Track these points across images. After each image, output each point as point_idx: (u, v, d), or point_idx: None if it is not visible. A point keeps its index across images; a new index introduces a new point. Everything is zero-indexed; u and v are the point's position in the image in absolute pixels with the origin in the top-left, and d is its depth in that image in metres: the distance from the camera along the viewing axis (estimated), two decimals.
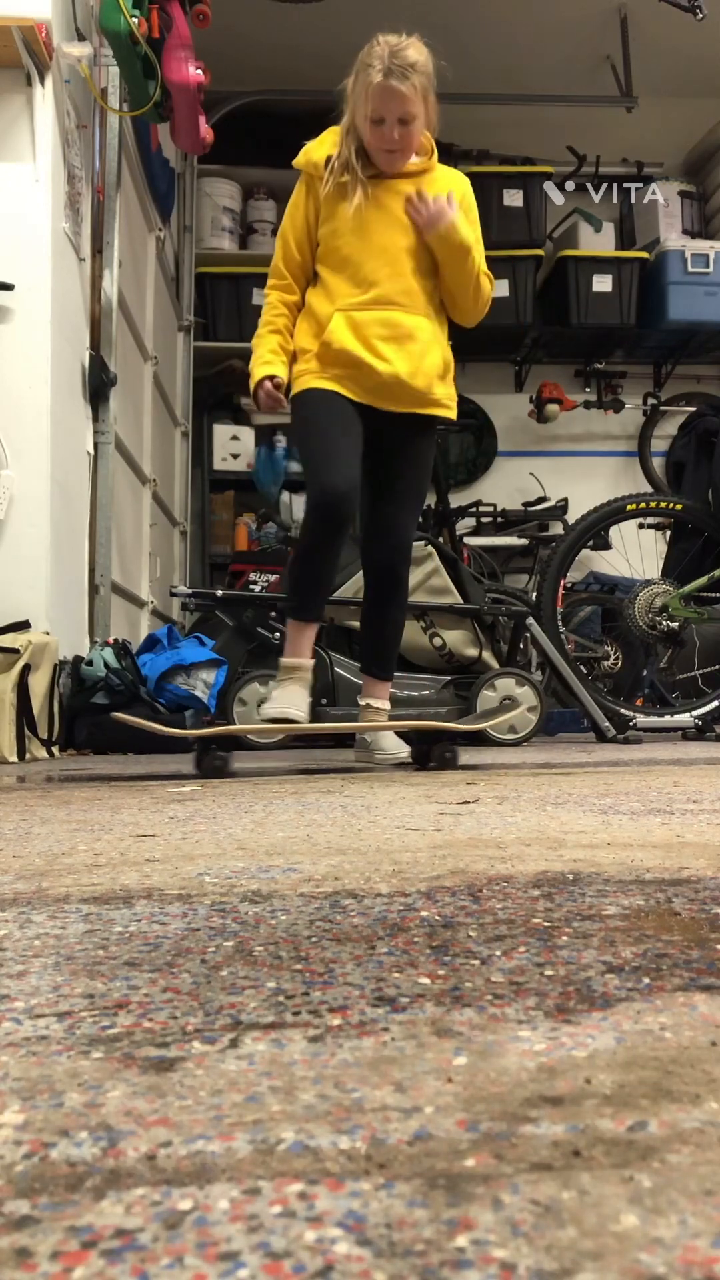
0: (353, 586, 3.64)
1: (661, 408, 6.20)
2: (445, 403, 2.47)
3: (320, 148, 2.45)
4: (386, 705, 2.56)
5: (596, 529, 3.96)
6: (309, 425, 2.43)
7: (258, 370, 2.44)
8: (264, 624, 3.61)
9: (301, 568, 2.45)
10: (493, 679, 3.55)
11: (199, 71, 3.45)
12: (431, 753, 2.35)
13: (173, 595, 3.95)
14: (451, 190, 2.43)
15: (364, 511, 2.54)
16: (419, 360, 2.39)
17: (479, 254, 2.46)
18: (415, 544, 3.76)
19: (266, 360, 2.44)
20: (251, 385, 2.45)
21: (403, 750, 2.47)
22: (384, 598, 2.55)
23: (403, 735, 2.51)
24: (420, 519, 5.47)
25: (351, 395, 2.39)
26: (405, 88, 2.29)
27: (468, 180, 2.55)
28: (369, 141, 2.35)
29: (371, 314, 2.37)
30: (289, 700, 2.36)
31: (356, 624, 3.66)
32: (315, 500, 2.35)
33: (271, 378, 2.41)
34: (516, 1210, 0.32)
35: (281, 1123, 0.39)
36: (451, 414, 2.50)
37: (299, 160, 2.47)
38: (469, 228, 2.44)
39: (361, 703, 2.58)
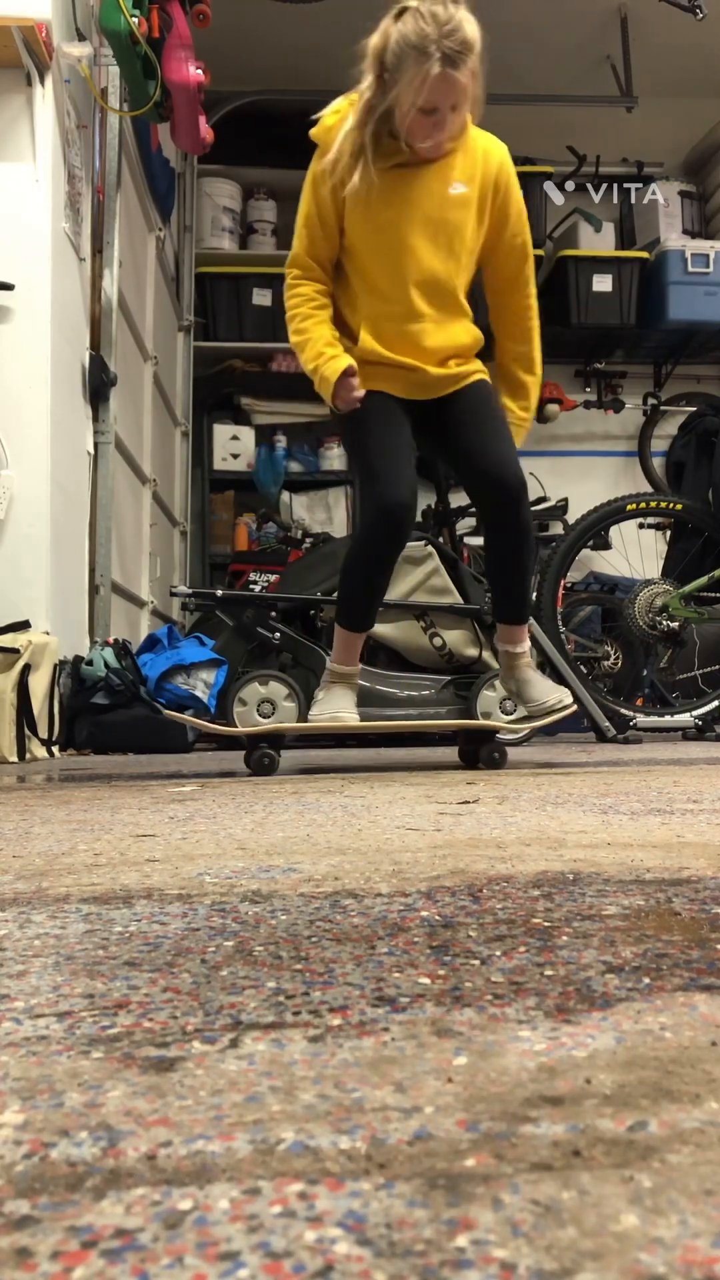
0: None
1: (661, 408, 6.20)
2: (480, 369, 2.38)
3: (343, 125, 2.21)
4: (524, 648, 2.45)
5: (596, 529, 3.96)
6: (361, 430, 2.29)
7: (328, 366, 2.21)
8: (264, 624, 3.61)
9: (357, 579, 2.36)
10: (493, 679, 3.54)
11: (199, 71, 3.45)
12: (480, 753, 2.35)
13: (173, 595, 3.94)
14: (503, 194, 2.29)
15: (462, 469, 2.38)
16: (452, 356, 2.32)
17: (530, 275, 2.39)
18: (415, 544, 3.77)
19: (332, 354, 2.23)
20: (325, 386, 2.24)
21: (553, 698, 2.38)
22: (510, 541, 2.34)
23: (444, 735, 2.47)
24: (420, 518, 5.46)
25: (395, 392, 2.29)
26: (464, 75, 2.06)
27: (504, 146, 2.34)
28: (410, 129, 2.12)
29: (402, 328, 2.26)
30: (337, 704, 2.37)
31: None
32: (377, 512, 2.23)
33: (349, 370, 2.21)
34: (516, 1210, 0.32)
35: (281, 1123, 0.39)
36: (487, 376, 2.40)
37: (318, 133, 2.25)
38: (519, 223, 2.32)
39: (500, 649, 2.48)
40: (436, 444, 2.44)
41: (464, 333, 2.32)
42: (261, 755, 2.21)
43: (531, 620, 3.68)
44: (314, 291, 2.30)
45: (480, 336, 2.38)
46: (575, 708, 2.40)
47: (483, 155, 2.27)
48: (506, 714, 3.54)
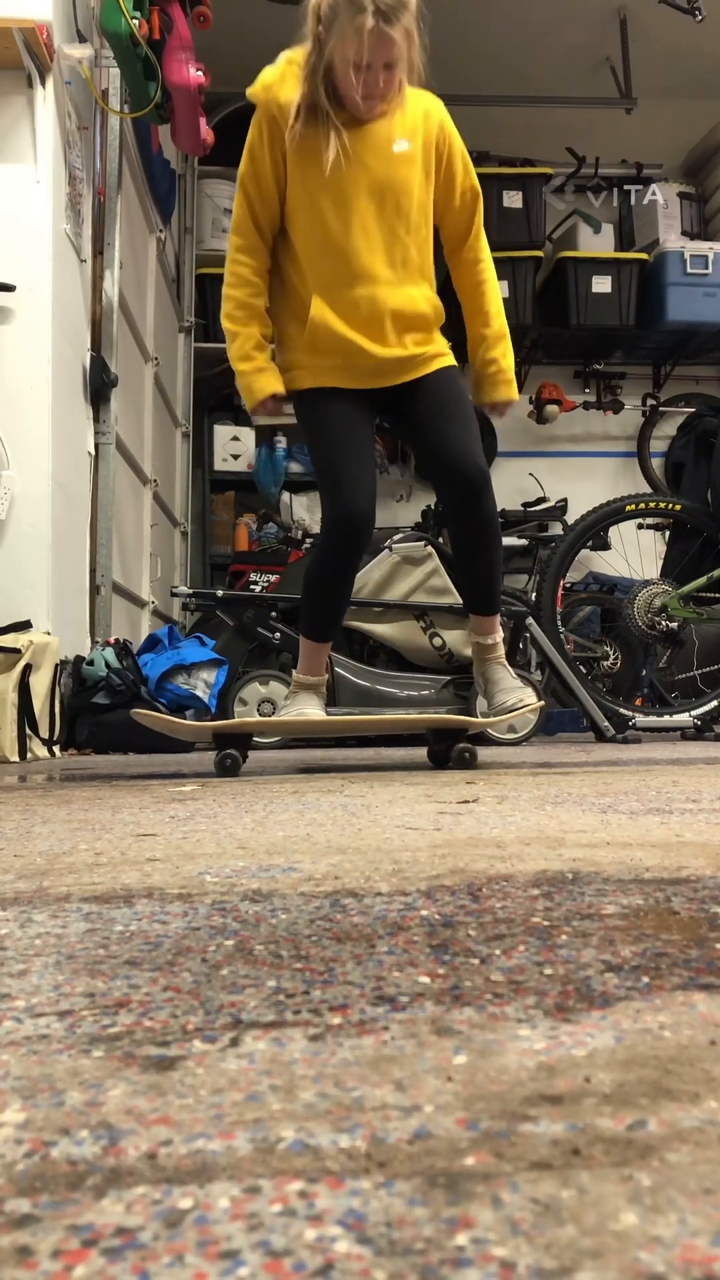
0: (353, 586, 3.64)
1: (660, 408, 6.20)
2: (444, 351, 2.33)
3: (283, 85, 2.16)
4: (495, 640, 2.43)
5: (596, 529, 3.96)
6: (319, 437, 2.28)
7: (257, 382, 2.24)
8: (264, 624, 3.62)
9: (318, 590, 2.35)
10: None
11: (199, 73, 3.45)
12: (450, 752, 2.35)
13: (173, 595, 3.95)
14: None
15: (425, 462, 2.38)
16: (411, 333, 2.26)
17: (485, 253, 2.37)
18: (415, 544, 3.77)
19: (257, 366, 2.24)
20: (247, 396, 2.27)
21: (513, 697, 2.36)
22: (476, 535, 2.33)
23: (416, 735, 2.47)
24: (420, 519, 5.46)
25: (351, 384, 2.26)
26: (397, 32, 2.03)
27: (440, 102, 2.30)
28: (345, 85, 2.09)
29: (356, 293, 2.19)
30: (302, 705, 2.38)
31: (356, 624, 3.67)
32: (333, 521, 2.23)
33: (274, 395, 2.25)
34: (516, 1209, 0.32)
35: (282, 1121, 0.39)
36: (452, 361, 2.35)
37: (256, 92, 2.18)
38: (465, 174, 2.29)
39: (471, 640, 2.48)
40: (403, 432, 2.42)
41: (422, 299, 2.26)
42: (224, 756, 2.20)
43: (531, 620, 3.69)
44: (252, 273, 2.26)
45: (440, 306, 2.33)
46: (538, 704, 2.40)
47: (423, 114, 2.25)
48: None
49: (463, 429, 2.28)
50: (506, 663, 2.45)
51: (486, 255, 2.39)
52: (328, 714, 2.46)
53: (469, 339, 2.42)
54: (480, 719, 2.42)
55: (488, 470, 2.27)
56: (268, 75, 2.18)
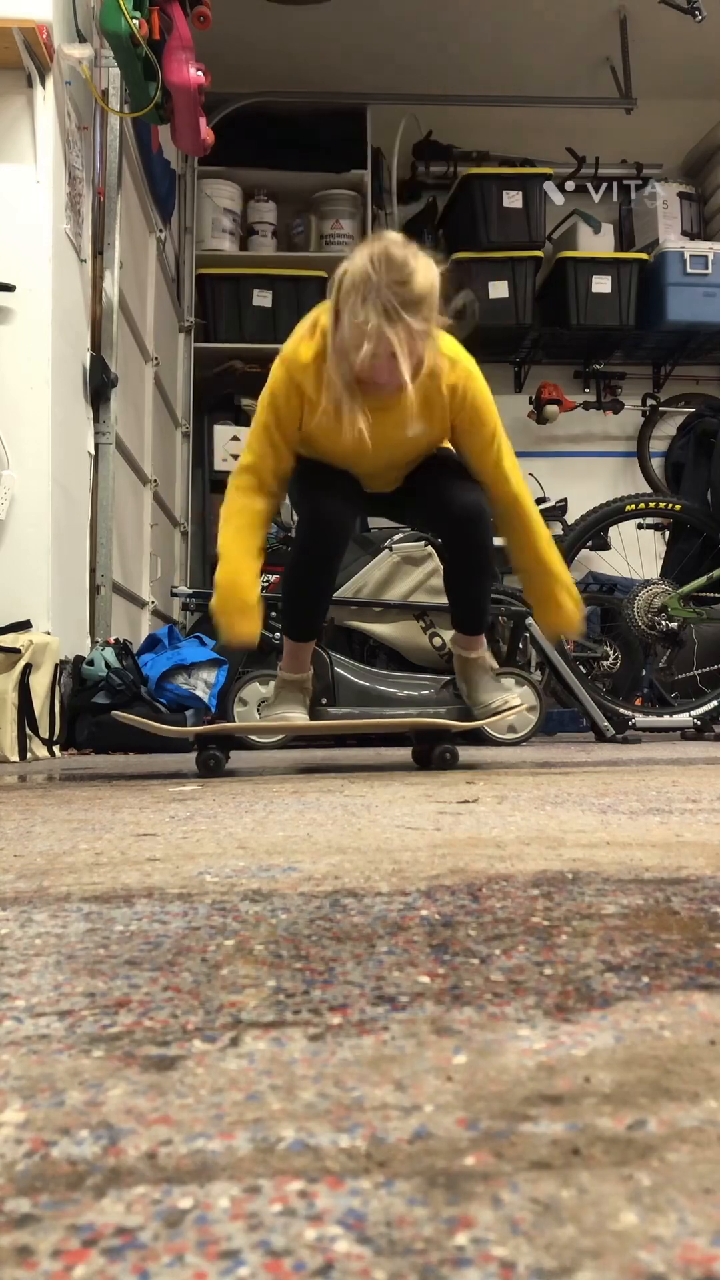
0: (353, 586, 3.64)
1: (660, 408, 6.20)
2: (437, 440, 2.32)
3: (309, 349, 2.12)
4: (479, 654, 2.45)
5: (596, 529, 3.96)
6: (307, 470, 2.28)
7: (235, 623, 2.20)
8: (264, 624, 3.61)
9: (296, 589, 2.37)
10: None
11: (199, 73, 3.45)
12: (431, 754, 2.35)
13: (173, 595, 3.95)
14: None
15: (426, 516, 2.43)
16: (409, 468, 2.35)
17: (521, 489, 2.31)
18: (415, 544, 3.77)
19: (241, 604, 2.21)
20: (222, 618, 2.22)
21: (498, 699, 2.37)
22: (468, 566, 2.36)
23: (402, 735, 2.49)
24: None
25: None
26: (401, 331, 1.93)
27: (471, 361, 2.21)
28: (359, 368, 2.01)
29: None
30: (285, 706, 2.39)
31: (357, 624, 3.67)
32: (310, 519, 2.25)
33: (249, 637, 2.23)
34: (516, 1208, 0.32)
35: (282, 1121, 0.39)
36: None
37: (287, 356, 2.17)
38: (520, 485, 2.29)
39: (455, 652, 2.51)
40: (401, 507, 2.48)
41: (416, 457, 2.31)
42: (208, 757, 2.20)
43: (531, 620, 3.69)
44: (257, 513, 2.24)
45: (431, 440, 2.29)
46: (520, 706, 2.42)
47: (448, 391, 2.16)
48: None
49: (454, 477, 2.31)
50: (488, 667, 2.47)
51: (519, 487, 2.32)
52: (313, 715, 2.47)
53: (524, 573, 2.41)
54: (465, 722, 2.42)
55: (485, 506, 2.28)
56: (302, 350, 2.14)
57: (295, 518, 2.46)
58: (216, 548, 2.28)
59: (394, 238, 1.98)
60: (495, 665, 3.66)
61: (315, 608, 2.41)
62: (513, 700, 2.38)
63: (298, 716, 2.38)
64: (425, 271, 1.95)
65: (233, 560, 2.22)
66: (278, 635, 3.56)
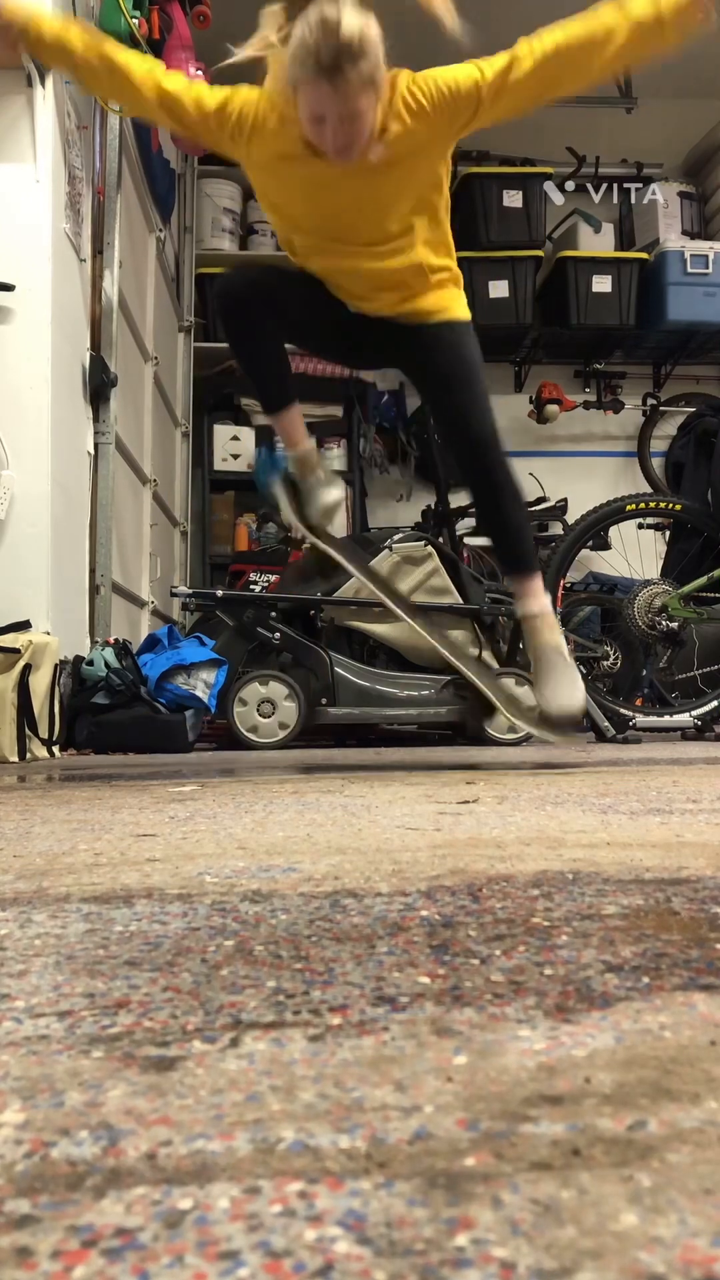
0: (353, 586, 3.64)
1: (661, 408, 6.20)
2: (441, 306, 2.21)
3: (257, 109, 2.01)
4: (541, 607, 2.27)
5: (596, 529, 3.96)
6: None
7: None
8: (264, 624, 3.61)
9: (241, 366, 2.33)
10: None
11: (199, 73, 3.45)
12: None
13: (173, 595, 3.95)
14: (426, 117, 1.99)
15: (435, 423, 2.41)
16: (389, 292, 2.19)
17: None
18: (415, 544, 3.77)
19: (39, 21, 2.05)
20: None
21: (558, 703, 2.20)
22: (485, 498, 2.27)
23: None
24: (420, 519, 5.45)
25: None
26: (347, 83, 1.85)
27: (406, 74, 2.01)
28: (311, 136, 1.95)
29: (322, 262, 2.18)
30: (322, 491, 2.42)
31: (357, 624, 3.67)
32: (215, 292, 2.26)
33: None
34: (516, 1209, 0.32)
35: (282, 1122, 0.39)
36: (456, 317, 2.24)
37: (227, 96, 2.04)
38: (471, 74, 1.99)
39: (519, 611, 2.35)
40: (409, 373, 2.39)
41: (403, 266, 2.14)
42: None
43: None
44: (96, 52, 2.05)
45: (438, 266, 2.18)
46: (582, 722, 2.31)
47: (406, 109, 2.00)
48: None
49: (463, 384, 2.20)
50: (562, 639, 2.26)
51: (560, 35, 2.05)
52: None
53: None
54: (516, 716, 2.33)
55: (494, 427, 2.19)
56: (243, 92, 2.05)
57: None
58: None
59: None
60: (496, 665, 3.67)
61: (267, 365, 2.31)
62: (575, 706, 2.17)
63: (336, 492, 2.42)
64: (353, 15, 1.83)
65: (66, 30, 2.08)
66: (277, 635, 3.57)
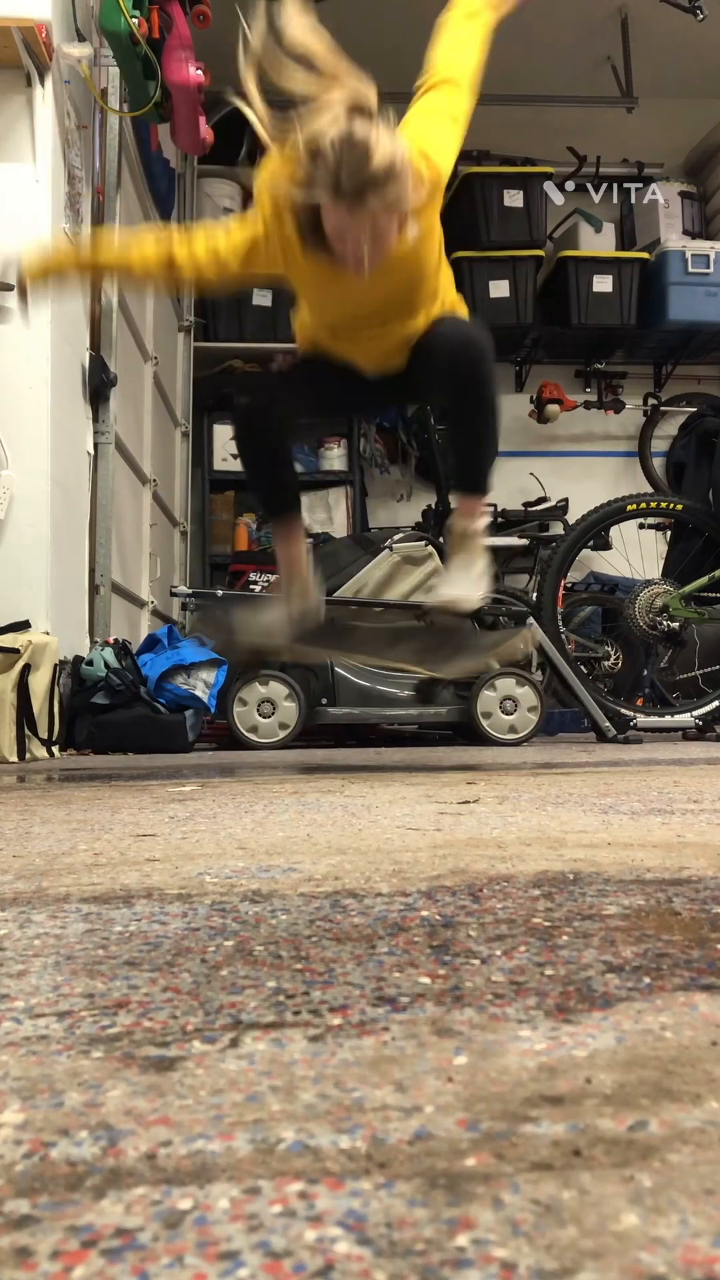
0: (353, 586, 3.64)
1: (662, 408, 6.20)
2: (440, 310, 2.19)
3: (281, 236, 1.98)
4: (479, 525, 2.26)
5: (597, 529, 3.96)
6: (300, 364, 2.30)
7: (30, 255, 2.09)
8: None
9: (247, 476, 2.33)
10: (493, 679, 3.55)
11: (199, 72, 3.45)
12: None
13: (173, 595, 3.95)
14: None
15: (424, 370, 2.20)
16: (408, 338, 2.15)
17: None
18: (415, 544, 3.77)
19: (56, 265, 2.11)
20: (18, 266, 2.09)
21: (448, 595, 2.24)
22: (468, 399, 2.14)
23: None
24: (420, 518, 5.45)
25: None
26: (369, 214, 1.77)
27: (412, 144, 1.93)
28: (333, 243, 1.88)
29: (347, 344, 2.20)
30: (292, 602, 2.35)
31: (357, 624, 3.66)
32: (234, 426, 2.29)
33: (24, 276, 2.07)
34: (517, 1210, 0.32)
35: (282, 1122, 0.39)
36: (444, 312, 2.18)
37: (251, 234, 2.01)
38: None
39: (454, 525, 2.32)
40: (415, 384, 2.31)
41: (412, 326, 2.13)
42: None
43: (532, 620, 3.69)
44: (145, 240, 2.06)
45: (435, 288, 2.14)
46: (469, 607, 2.23)
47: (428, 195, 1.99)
48: (507, 714, 3.55)
49: (444, 320, 2.14)
50: (484, 552, 2.27)
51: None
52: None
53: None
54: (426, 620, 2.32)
55: (485, 337, 2.10)
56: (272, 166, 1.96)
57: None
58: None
59: (362, 102, 1.74)
60: (496, 665, 3.67)
61: (270, 474, 2.29)
62: (465, 600, 2.21)
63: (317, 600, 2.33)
64: (385, 143, 1.73)
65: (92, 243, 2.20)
66: None
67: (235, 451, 5.71)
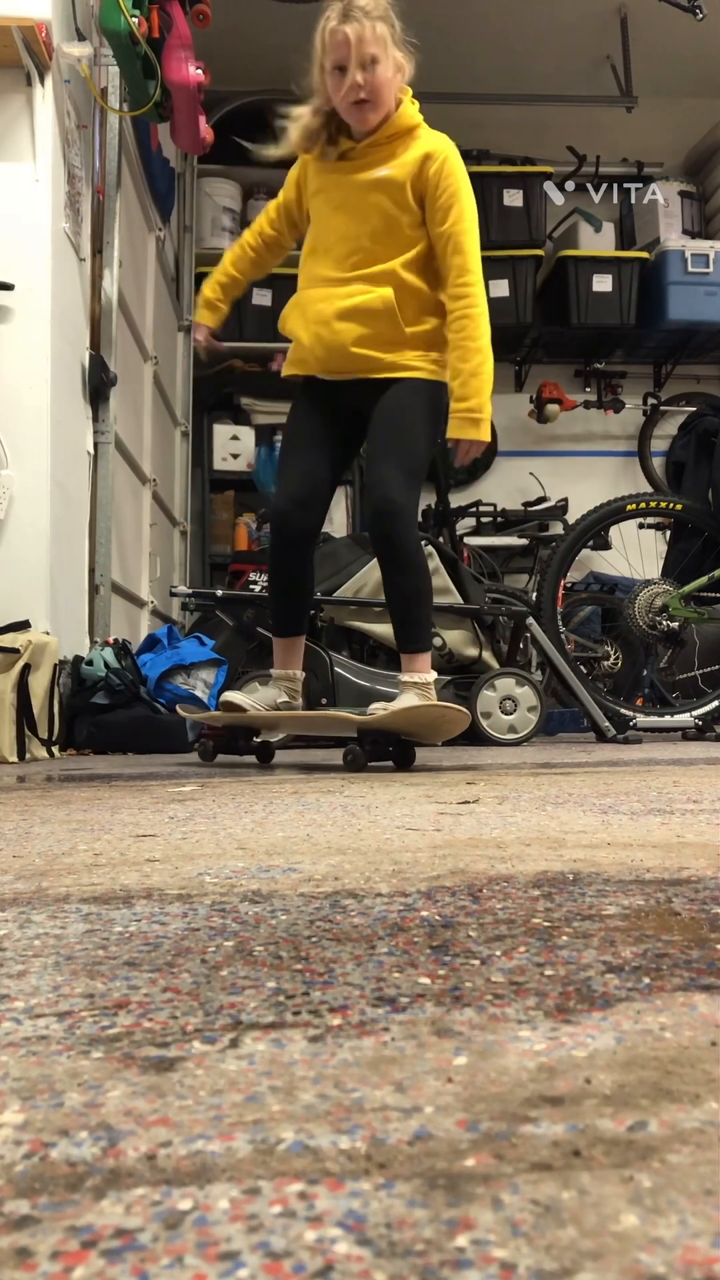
0: (353, 586, 3.64)
1: (661, 408, 6.20)
2: (410, 365, 2.32)
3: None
4: (421, 678, 2.30)
5: (596, 529, 3.96)
6: (286, 433, 2.51)
7: (196, 314, 2.66)
8: (264, 624, 3.61)
9: (270, 585, 2.51)
10: (493, 679, 3.55)
11: (199, 71, 3.45)
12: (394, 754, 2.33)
13: (173, 595, 3.95)
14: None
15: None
16: (367, 329, 2.30)
17: (473, 256, 2.30)
18: None
19: (202, 302, 2.62)
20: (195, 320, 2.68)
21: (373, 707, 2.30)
22: (384, 565, 2.33)
23: (380, 745, 2.29)
24: (420, 518, 5.46)
25: (313, 371, 2.39)
26: (355, 29, 2.18)
27: (451, 145, 2.34)
28: (336, 99, 2.26)
29: (324, 291, 2.34)
30: (255, 695, 2.47)
31: (356, 624, 3.67)
32: (269, 516, 2.44)
33: (201, 329, 2.62)
34: (516, 1210, 0.32)
35: (281, 1122, 0.39)
36: (421, 373, 2.33)
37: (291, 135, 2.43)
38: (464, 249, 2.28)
39: (401, 679, 2.36)
40: (358, 439, 2.50)
41: (376, 299, 2.29)
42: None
43: (531, 620, 3.69)
44: (239, 240, 2.62)
45: (424, 331, 2.33)
46: (375, 720, 2.24)
47: (422, 157, 2.30)
48: (507, 714, 3.55)
49: (387, 454, 2.28)
50: (430, 696, 2.31)
51: (471, 291, 2.31)
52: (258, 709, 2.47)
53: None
54: (358, 715, 2.30)
55: (397, 499, 2.26)
56: (297, 114, 2.41)
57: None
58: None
59: None
60: (496, 665, 3.67)
61: (291, 596, 2.48)
62: (372, 711, 2.24)
63: (245, 701, 2.43)
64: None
65: (213, 273, 2.64)
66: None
67: (234, 453, 5.71)
